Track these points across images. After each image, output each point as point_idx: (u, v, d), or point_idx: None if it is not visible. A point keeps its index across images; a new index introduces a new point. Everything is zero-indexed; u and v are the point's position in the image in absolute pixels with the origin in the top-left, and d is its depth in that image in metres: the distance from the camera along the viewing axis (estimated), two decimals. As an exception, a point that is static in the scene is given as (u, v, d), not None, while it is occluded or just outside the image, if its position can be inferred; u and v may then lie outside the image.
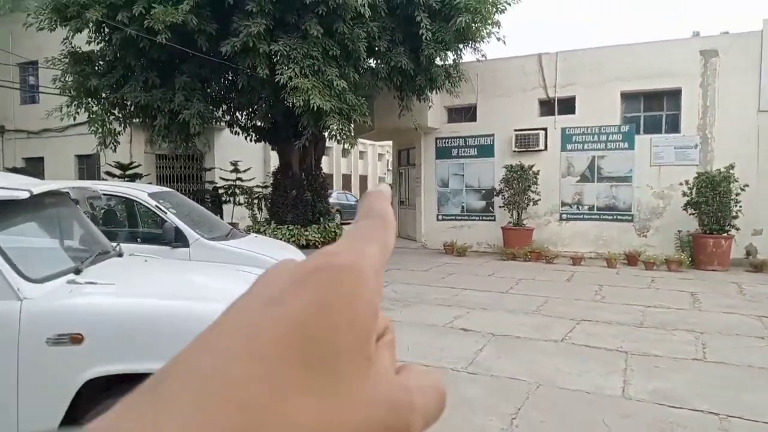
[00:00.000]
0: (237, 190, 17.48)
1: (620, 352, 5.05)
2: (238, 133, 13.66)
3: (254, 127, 13.64)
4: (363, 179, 35.06)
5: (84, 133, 14.75)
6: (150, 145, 17.51)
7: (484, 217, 13.21)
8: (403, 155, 15.75)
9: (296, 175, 13.58)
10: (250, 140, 13.73)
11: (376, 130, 13.94)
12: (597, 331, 5.82)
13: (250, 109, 12.17)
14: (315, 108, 9.55)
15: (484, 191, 13.19)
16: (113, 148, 11.98)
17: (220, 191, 17.53)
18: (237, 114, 12.84)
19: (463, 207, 13.47)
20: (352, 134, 10.37)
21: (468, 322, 6.06)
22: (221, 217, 17.52)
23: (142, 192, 5.35)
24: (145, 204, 5.28)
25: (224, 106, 12.47)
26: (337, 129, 9.81)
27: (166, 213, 5.13)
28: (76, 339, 2.44)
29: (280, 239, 12.98)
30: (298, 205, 13.41)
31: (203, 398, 0.21)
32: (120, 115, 11.88)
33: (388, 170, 36.05)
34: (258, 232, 13.07)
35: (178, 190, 18.43)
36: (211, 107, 11.27)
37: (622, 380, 4.34)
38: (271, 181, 14.15)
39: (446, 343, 5.27)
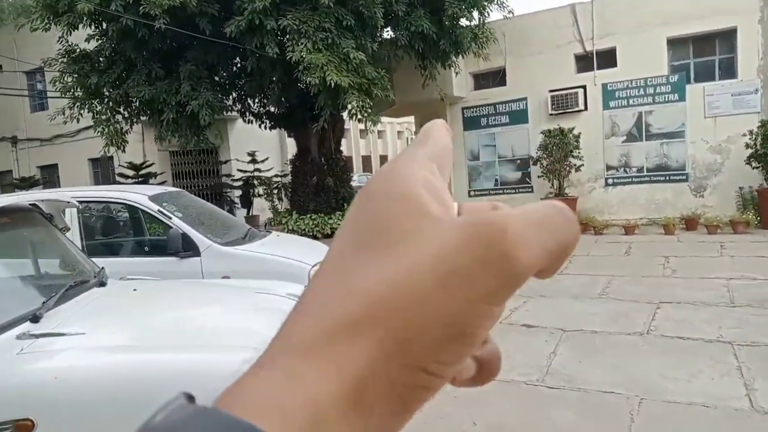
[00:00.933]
0: (255, 181, 16.84)
1: (723, 343, 4.16)
2: (252, 122, 12.91)
3: (268, 113, 12.85)
4: (384, 159, 34.20)
5: (95, 136, 14.26)
6: (160, 141, 16.85)
7: (520, 189, 12.26)
8: (427, 130, 14.79)
9: (315, 160, 12.81)
10: (265, 128, 12.97)
11: (397, 105, 13.02)
12: (683, 315, 4.92)
13: (262, 95, 11.35)
14: (332, 85, 8.69)
15: (519, 161, 12.21)
16: (122, 148, 11.33)
17: (238, 183, 16.90)
18: (249, 101, 12.04)
19: (496, 180, 12.53)
20: (374, 111, 9.49)
21: (529, 315, 5.23)
22: (250, 212, 16.99)
23: (141, 195, 4.61)
24: (147, 209, 4.54)
25: (234, 94, 11.67)
26: (358, 107, 8.93)
27: (171, 218, 4.38)
28: (24, 427, 1.70)
29: (304, 230, 12.30)
30: (320, 192, 12.66)
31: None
32: (126, 113, 11.20)
33: (410, 147, 35.07)
34: (279, 223, 12.41)
35: (194, 186, 17.89)
36: (220, 96, 10.49)
37: (743, 384, 3.47)
38: (290, 169, 13.40)
39: (510, 345, 4.46)
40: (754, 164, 9.42)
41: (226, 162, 17.79)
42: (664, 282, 6.22)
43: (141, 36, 9.31)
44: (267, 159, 17.06)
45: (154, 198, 4.50)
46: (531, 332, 4.74)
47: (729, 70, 10.33)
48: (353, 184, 17.71)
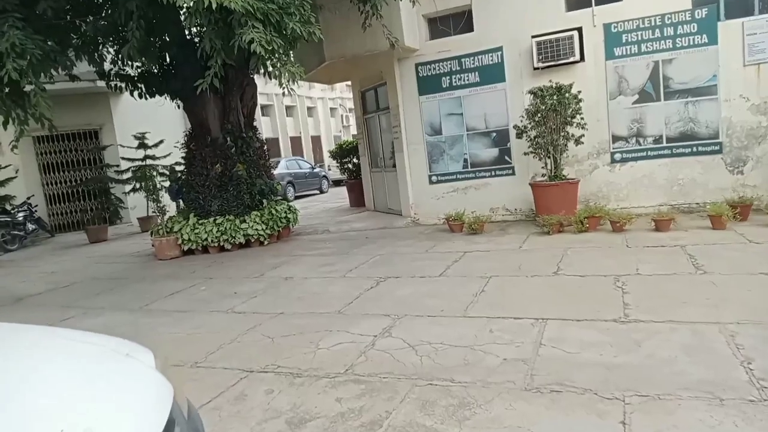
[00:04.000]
0: (151, 172, 12.93)
1: None
2: (120, 88, 9.08)
3: (144, 75, 9.07)
4: (315, 140, 30.46)
5: None
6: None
7: (498, 172, 9.22)
8: (368, 98, 11.47)
9: (218, 141, 9.21)
10: (140, 96, 9.18)
11: (327, 63, 9.59)
12: None
13: (120, 40, 7.54)
14: (216, 10, 5.17)
15: (495, 134, 9.15)
16: None
17: (124, 175, 12.92)
18: (103, 52, 8.13)
19: (465, 161, 9.43)
20: (291, 59, 6.08)
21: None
22: (116, 217, 12.84)
23: None
24: None
25: (77, 41, 7.72)
26: (262, 45, 5.45)
27: None
28: None
29: (206, 240, 8.72)
30: (228, 185, 9.11)
31: None
32: None
33: (344, 126, 31.52)
34: (170, 232, 8.78)
35: (68, 180, 13.68)
36: (47, 41, 6.62)
37: None
38: (182, 155, 9.71)
39: None
40: (829, 126, 6.81)
41: (104, 148, 13.72)
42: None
43: None
44: (162, 142, 13.16)
45: None
46: None
47: (777, 0, 7.65)
48: (277, 172, 14.15)
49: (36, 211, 13.39)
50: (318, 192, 21.58)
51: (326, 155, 29.83)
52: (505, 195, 9.10)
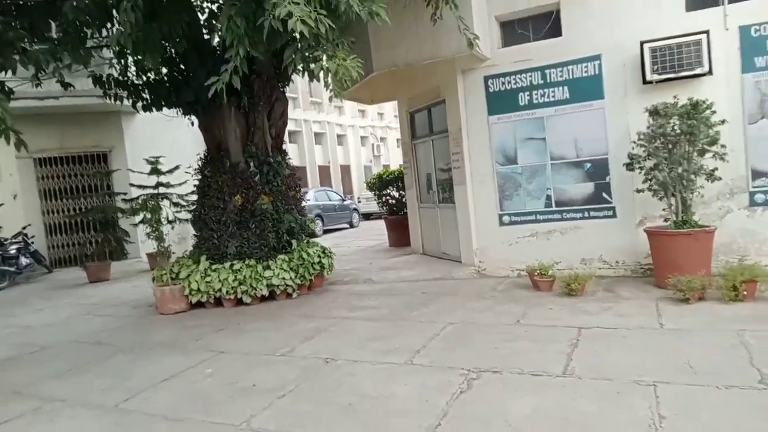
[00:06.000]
0: (158, 203, 11.16)
1: None
2: (119, 98, 7.40)
3: (150, 83, 7.40)
4: (345, 170, 28.81)
5: None
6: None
7: (592, 213, 7.21)
8: (419, 120, 9.64)
9: (239, 166, 7.44)
10: (144, 107, 7.49)
11: (375, 74, 7.81)
12: None
13: (114, 28, 5.82)
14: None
15: (588, 164, 7.18)
16: None
17: (130, 205, 11.20)
18: (90, 46, 6.35)
19: (548, 198, 7.45)
20: (345, 48, 4.25)
21: None
22: (121, 253, 11.24)
23: None
24: None
25: (57, 27, 5.93)
26: (309, 27, 3.63)
27: None
28: None
29: (219, 291, 6.89)
30: (249, 221, 7.29)
31: None
32: None
33: (375, 156, 29.86)
34: (175, 278, 6.96)
35: (71, 209, 12.05)
36: (13, 25, 4.89)
37: None
38: (196, 183, 7.93)
39: None
40: None
41: (110, 173, 12.11)
42: None
43: None
44: (177, 168, 11.48)
45: None
46: None
47: None
48: (306, 203, 12.30)
49: (33, 242, 11.76)
50: (348, 226, 19.72)
51: (355, 186, 28.14)
52: (603, 242, 7.07)
